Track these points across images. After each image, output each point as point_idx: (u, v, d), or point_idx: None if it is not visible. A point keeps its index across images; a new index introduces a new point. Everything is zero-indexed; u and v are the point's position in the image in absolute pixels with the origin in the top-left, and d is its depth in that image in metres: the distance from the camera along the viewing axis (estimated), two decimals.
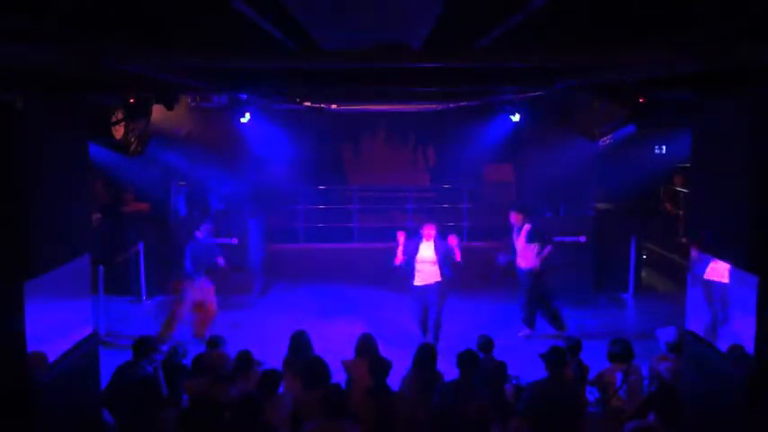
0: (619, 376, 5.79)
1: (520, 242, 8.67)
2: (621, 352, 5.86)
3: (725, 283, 4.69)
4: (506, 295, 10.48)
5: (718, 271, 4.76)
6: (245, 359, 5.86)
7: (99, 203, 10.42)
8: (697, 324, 4.89)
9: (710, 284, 5.53)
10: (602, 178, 11.13)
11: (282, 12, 3.12)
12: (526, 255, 8.62)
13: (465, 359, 5.48)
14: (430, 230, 8.12)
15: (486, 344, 6.10)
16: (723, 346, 4.44)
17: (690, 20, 3.27)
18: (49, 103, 4.39)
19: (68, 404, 4.49)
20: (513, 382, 6.10)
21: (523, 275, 8.69)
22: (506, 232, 9.15)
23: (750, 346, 4.00)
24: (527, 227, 8.62)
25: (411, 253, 8.09)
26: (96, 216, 9.94)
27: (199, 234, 8.52)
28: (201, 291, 8.47)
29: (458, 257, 8.07)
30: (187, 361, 6.22)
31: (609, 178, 11.04)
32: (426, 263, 8.06)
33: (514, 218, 8.74)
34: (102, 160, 7.94)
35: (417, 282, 8.14)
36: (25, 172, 3.92)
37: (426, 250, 8.07)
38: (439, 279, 8.09)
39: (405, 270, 8.19)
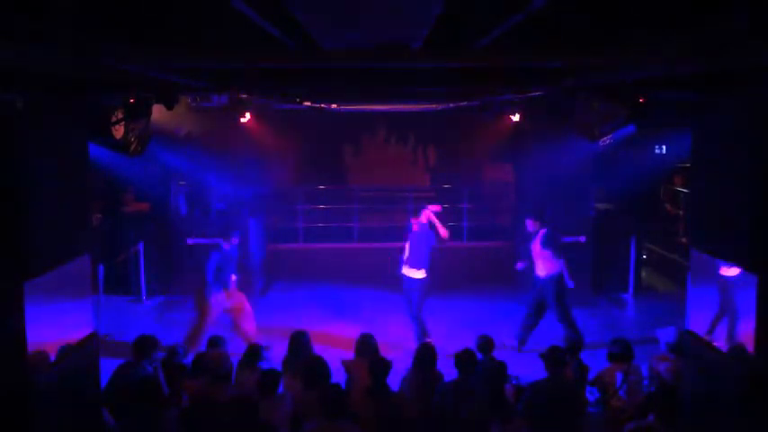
0: (619, 376, 5.79)
1: (535, 248, 8.26)
2: (621, 352, 5.86)
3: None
4: (507, 295, 10.51)
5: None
6: (254, 352, 5.89)
7: (100, 203, 10.43)
8: (698, 324, 4.89)
9: (726, 280, 5.52)
10: (602, 178, 11.13)
11: (282, 12, 3.12)
12: (543, 261, 8.19)
13: (463, 359, 5.49)
14: (417, 222, 8.30)
15: (486, 344, 6.10)
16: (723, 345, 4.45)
17: (690, 20, 3.27)
18: (49, 103, 4.40)
19: (68, 404, 4.49)
20: (513, 382, 6.10)
21: (544, 284, 8.21)
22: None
23: (750, 346, 4.00)
24: (542, 232, 8.24)
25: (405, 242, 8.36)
26: (96, 216, 9.95)
27: (226, 245, 8.21)
28: (232, 299, 8.25)
29: (442, 233, 8.17)
30: (187, 361, 6.22)
31: (609, 178, 11.04)
32: (413, 254, 8.26)
33: (531, 224, 8.31)
34: (102, 160, 7.94)
35: (403, 271, 8.36)
36: (25, 172, 3.92)
37: (414, 241, 8.29)
38: (424, 275, 8.24)
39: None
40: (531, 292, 8.41)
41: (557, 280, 8.08)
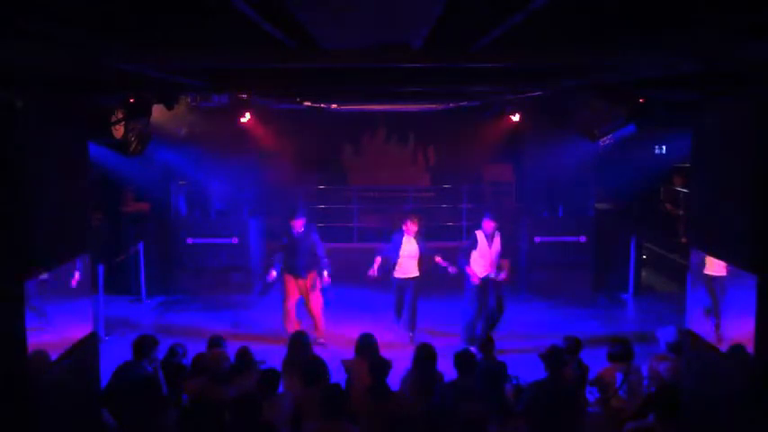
0: (619, 376, 5.79)
1: (493, 251, 8.17)
2: (621, 352, 5.85)
3: (723, 276, 4.68)
4: (506, 295, 10.49)
5: (717, 265, 4.77)
6: (245, 357, 5.86)
7: (100, 203, 10.42)
8: (699, 324, 4.89)
9: (710, 278, 5.50)
10: (602, 178, 11.13)
11: (282, 12, 3.12)
12: (495, 262, 8.18)
13: (463, 359, 5.48)
14: (411, 226, 8.31)
15: (486, 344, 6.10)
16: (723, 346, 4.44)
17: (690, 20, 3.27)
18: (49, 103, 4.39)
19: (68, 404, 4.49)
20: (513, 382, 6.09)
21: (493, 284, 8.21)
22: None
23: (750, 346, 4.00)
24: (499, 234, 8.23)
25: (394, 248, 8.32)
26: (96, 216, 9.94)
27: (293, 231, 8.17)
28: (304, 288, 8.26)
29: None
30: (187, 361, 6.22)
31: (609, 178, 11.05)
32: (407, 257, 8.29)
33: (490, 226, 8.17)
34: (102, 160, 7.94)
35: (397, 274, 8.40)
36: (25, 172, 3.92)
37: (408, 245, 8.29)
38: (417, 274, 8.33)
39: (387, 265, 8.44)
40: (477, 294, 8.20)
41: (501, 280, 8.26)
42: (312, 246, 8.27)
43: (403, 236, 8.31)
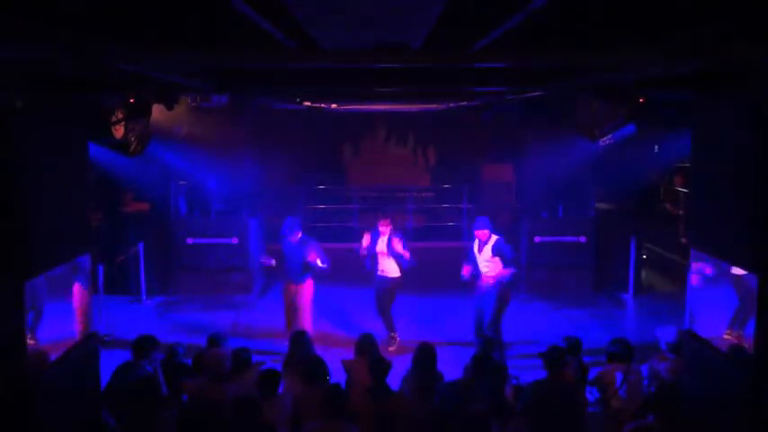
0: (619, 376, 5.79)
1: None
2: (621, 352, 5.86)
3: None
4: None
5: None
6: (241, 356, 5.87)
7: (100, 203, 10.42)
8: (700, 323, 4.90)
9: (740, 278, 5.49)
10: (602, 178, 11.13)
11: (282, 12, 3.12)
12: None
13: (477, 362, 5.48)
14: (383, 226, 8.22)
15: (486, 344, 6.10)
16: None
17: (690, 20, 3.27)
18: (49, 103, 4.40)
19: (68, 404, 4.49)
20: (513, 382, 6.09)
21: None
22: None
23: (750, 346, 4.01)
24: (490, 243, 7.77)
25: (372, 247, 8.27)
26: (96, 216, 9.95)
27: (287, 236, 7.93)
28: (292, 293, 7.92)
29: (405, 256, 8.09)
30: (187, 361, 6.22)
31: (609, 178, 11.05)
32: (382, 256, 8.24)
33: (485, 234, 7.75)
34: (102, 160, 7.94)
35: (378, 272, 8.34)
36: (25, 172, 3.92)
37: (381, 245, 8.24)
38: (393, 275, 8.22)
39: (369, 264, 8.36)
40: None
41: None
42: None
43: (379, 236, 8.25)
